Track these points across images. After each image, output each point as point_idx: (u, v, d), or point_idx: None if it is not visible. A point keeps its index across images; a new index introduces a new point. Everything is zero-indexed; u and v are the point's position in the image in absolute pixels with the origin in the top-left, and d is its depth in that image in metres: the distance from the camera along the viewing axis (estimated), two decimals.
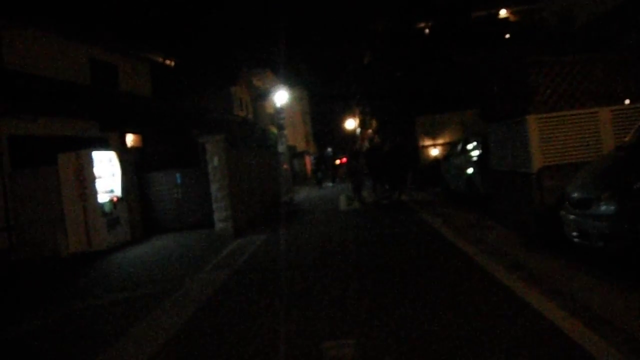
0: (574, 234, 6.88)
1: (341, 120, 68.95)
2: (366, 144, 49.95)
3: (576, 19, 15.96)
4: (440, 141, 21.90)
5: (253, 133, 30.70)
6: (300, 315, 6.08)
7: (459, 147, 15.27)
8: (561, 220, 7.29)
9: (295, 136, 50.98)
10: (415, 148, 22.08)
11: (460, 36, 25.15)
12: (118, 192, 13.41)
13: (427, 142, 22.12)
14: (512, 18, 30.58)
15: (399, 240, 10.50)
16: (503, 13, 30.10)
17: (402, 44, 28.65)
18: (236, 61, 36.42)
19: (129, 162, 14.24)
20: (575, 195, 6.97)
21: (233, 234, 13.16)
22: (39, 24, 15.70)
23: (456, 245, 9.05)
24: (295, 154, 41.54)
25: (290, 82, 45.17)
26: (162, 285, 8.56)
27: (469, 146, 13.97)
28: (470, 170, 13.37)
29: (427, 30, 29.48)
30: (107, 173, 13.04)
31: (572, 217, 6.94)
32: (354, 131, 67.49)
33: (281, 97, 29.22)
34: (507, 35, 25.62)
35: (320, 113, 70.16)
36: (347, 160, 20.26)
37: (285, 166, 25.46)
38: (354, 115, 65.47)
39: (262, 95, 40.74)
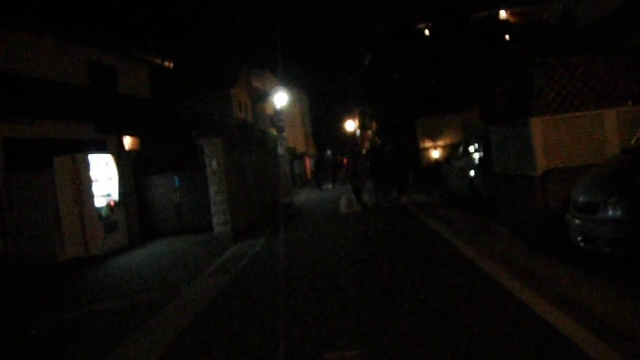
0: (580, 239, 6.72)
1: (341, 122, 68.85)
2: (367, 145, 49.82)
3: (580, 19, 15.81)
4: (441, 143, 21.77)
5: (252, 135, 30.53)
6: (302, 325, 5.91)
7: (461, 149, 15.11)
8: (566, 225, 7.13)
9: (295, 138, 50.83)
10: (416, 150, 21.94)
11: (460, 37, 25.01)
12: (115, 196, 13.24)
13: (428, 144, 22.00)
14: (512, 19, 30.50)
15: (401, 246, 10.33)
16: (503, 14, 30.00)
17: (402, 45, 28.53)
18: (236, 63, 36.33)
19: (127, 165, 14.08)
20: (581, 199, 6.81)
21: (232, 238, 13.01)
22: (36, 26, 15.57)
23: (460, 251, 8.88)
24: (295, 156, 41.35)
25: (290, 83, 45.11)
26: (160, 292, 8.41)
27: (471, 149, 13.80)
28: (472, 173, 13.21)
29: (427, 31, 29.36)
30: (104, 177, 12.88)
31: (577, 221, 6.78)
32: (354, 133, 67.37)
33: (281, 98, 29.10)
34: (507, 37, 25.47)
35: (320, 115, 70.11)
36: (348, 163, 20.08)
37: (285, 168, 25.34)
38: (353, 117, 65.37)
39: (261, 97, 40.61)
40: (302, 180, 39.48)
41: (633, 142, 7.37)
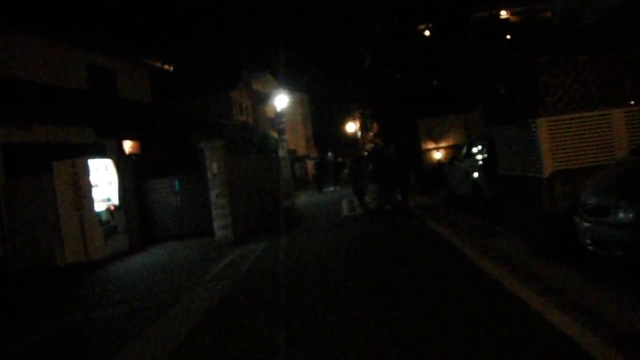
0: (589, 242, 6.57)
1: (342, 124, 68.78)
2: (370, 146, 49.67)
3: (583, 18, 15.64)
4: (443, 144, 21.60)
5: (253, 138, 30.42)
6: (304, 333, 5.76)
7: (464, 150, 14.96)
8: (575, 228, 6.97)
9: (295, 140, 50.69)
10: (418, 151, 21.79)
11: (461, 37, 24.92)
12: (115, 200, 13.12)
13: (430, 145, 21.83)
14: (512, 19, 30.41)
15: (405, 249, 10.18)
16: (504, 14, 29.90)
17: (402, 45, 28.43)
18: (236, 65, 36.22)
19: (127, 169, 13.95)
20: (591, 201, 6.66)
21: (233, 242, 12.89)
22: (35, 30, 15.45)
23: (465, 255, 8.73)
24: (295, 158, 41.24)
25: (291, 85, 45.01)
26: (160, 297, 8.28)
27: (474, 149, 13.64)
28: (475, 175, 13.04)
29: (427, 32, 29.27)
30: (103, 181, 12.75)
31: (586, 224, 6.63)
32: (354, 134, 67.33)
33: (281, 101, 28.99)
34: (509, 37, 25.35)
35: (321, 117, 69.94)
36: (350, 165, 19.95)
37: (285, 171, 25.22)
38: (354, 119, 65.30)
39: (262, 100, 40.51)
40: (303, 183, 39.34)
41: None
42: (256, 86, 41.28)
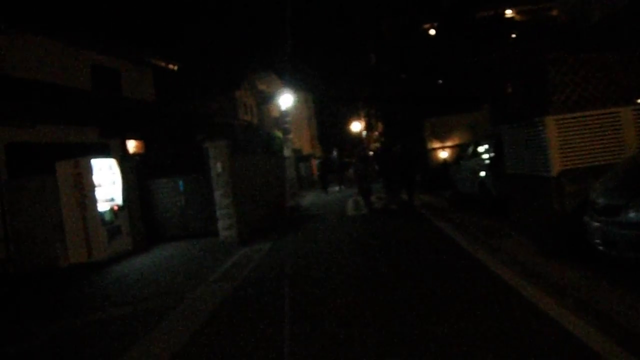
0: (598, 242, 6.45)
1: (347, 124, 68.71)
2: (376, 145, 49.53)
3: (590, 16, 15.53)
4: (449, 143, 21.48)
5: (258, 137, 30.35)
6: (309, 337, 5.66)
7: (470, 149, 14.83)
8: (584, 228, 6.85)
9: (300, 140, 50.62)
10: (423, 151, 21.68)
11: (466, 36, 24.79)
12: (119, 200, 13.01)
13: (436, 145, 21.71)
14: (518, 18, 30.24)
15: (411, 249, 10.03)
16: (509, 13, 29.75)
17: (407, 45, 28.33)
18: (240, 65, 36.15)
19: (130, 169, 13.86)
20: (601, 201, 6.53)
21: (238, 242, 12.78)
22: (39, 30, 15.42)
23: (473, 255, 8.60)
24: (300, 157, 41.12)
25: (295, 85, 44.83)
26: (163, 299, 8.17)
27: (481, 149, 13.52)
28: (482, 174, 12.92)
29: (432, 31, 29.15)
30: (107, 181, 12.66)
31: (596, 224, 6.51)
32: (359, 134, 67.25)
33: (286, 100, 28.80)
34: (515, 35, 25.20)
35: (326, 116, 69.88)
36: (355, 164, 19.78)
37: (290, 170, 25.10)
38: (359, 118, 65.24)
39: (266, 99, 40.43)
40: (308, 183, 39.22)
41: None
42: (261, 86, 41.22)
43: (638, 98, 8.18)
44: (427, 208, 15.88)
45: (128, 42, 21.75)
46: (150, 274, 10.41)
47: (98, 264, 11.78)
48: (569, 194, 7.81)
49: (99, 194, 12.22)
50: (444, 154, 21.44)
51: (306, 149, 51.43)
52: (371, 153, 34.45)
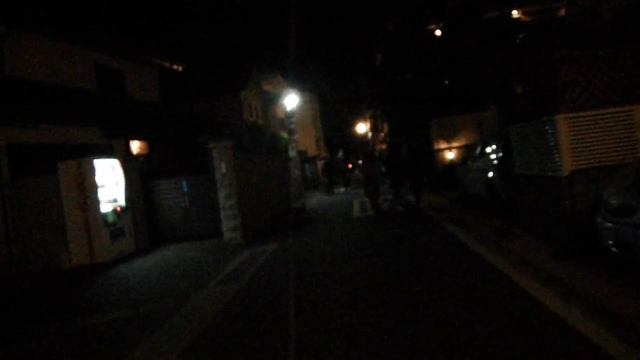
0: (612, 243, 6.27)
1: (352, 125, 68.61)
2: (381, 147, 49.35)
3: (599, 14, 15.34)
4: (455, 144, 21.33)
5: (263, 138, 30.28)
6: (314, 341, 5.49)
7: (478, 149, 14.65)
8: (596, 229, 6.66)
9: (306, 141, 50.47)
10: (430, 151, 21.53)
11: (473, 36, 24.64)
12: (122, 201, 12.89)
13: (442, 145, 21.56)
14: (525, 18, 30.07)
15: (420, 253, 9.77)
16: (515, 13, 29.59)
17: (413, 45, 28.18)
18: (245, 65, 36.07)
19: (134, 169, 13.73)
20: (614, 201, 6.34)
21: (242, 244, 12.64)
22: (43, 30, 15.33)
23: (483, 257, 8.40)
24: (306, 159, 40.98)
25: (301, 86, 44.77)
26: (166, 301, 8.04)
27: (489, 149, 13.34)
28: (490, 174, 12.74)
29: (438, 32, 29.01)
30: (110, 181, 12.54)
31: (609, 225, 6.32)
32: (365, 135, 67.11)
33: (291, 101, 28.70)
34: (523, 35, 25.00)
35: (331, 118, 69.78)
36: (363, 164, 19.59)
37: (296, 171, 24.98)
38: (364, 120, 65.12)
39: (272, 100, 40.33)
40: (313, 184, 39.10)
41: None
42: (266, 86, 41.12)
43: None
44: (434, 209, 15.69)
45: (132, 42, 21.67)
46: (153, 276, 10.27)
47: (101, 265, 11.65)
48: (581, 194, 7.64)
49: (102, 194, 12.10)
50: (450, 155, 21.30)
51: (312, 150, 51.28)
52: (377, 153, 34.20)
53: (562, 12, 27.90)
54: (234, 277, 9.26)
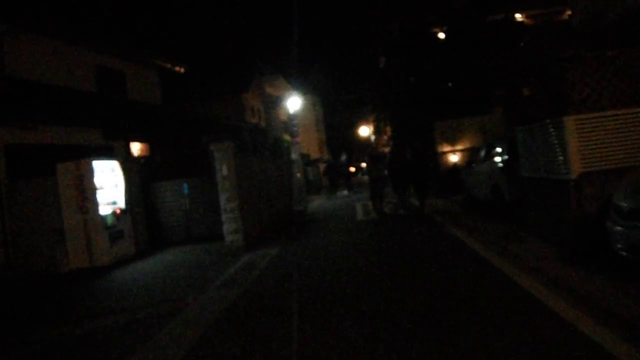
0: (622, 247, 6.11)
1: (355, 128, 68.53)
2: (384, 149, 49.22)
3: (604, 16, 15.17)
4: (459, 147, 21.16)
5: (265, 140, 30.13)
6: (317, 350, 5.31)
7: (482, 152, 14.48)
8: (606, 233, 6.49)
9: (308, 144, 50.39)
10: (434, 154, 21.36)
11: (477, 39, 24.53)
12: (121, 203, 12.72)
13: (446, 148, 21.39)
14: (527, 22, 29.96)
15: (426, 258, 9.57)
16: (519, 17, 29.49)
17: (417, 47, 28.07)
18: (248, 67, 35.96)
19: (134, 171, 13.58)
20: (625, 204, 6.18)
21: (244, 247, 12.45)
22: (43, 30, 15.21)
23: (491, 263, 8.19)
24: (308, 161, 40.82)
25: (303, 88, 44.61)
26: (165, 306, 7.87)
27: (494, 151, 13.17)
28: (496, 177, 12.57)
29: (441, 34, 28.89)
30: (109, 183, 12.37)
31: (620, 229, 6.17)
32: (368, 138, 66.98)
33: (294, 103, 28.53)
34: (528, 36, 24.85)
35: (334, 120, 69.74)
36: (368, 165, 19.36)
37: (298, 174, 24.80)
38: (367, 123, 65.00)
39: (274, 102, 40.21)
40: (316, 187, 38.95)
41: None
42: (268, 89, 40.98)
43: None
44: (439, 213, 15.51)
45: (134, 43, 21.58)
46: (153, 279, 10.11)
47: (99, 269, 11.48)
48: (589, 197, 7.46)
49: (101, 196, 11.92)
50: (454, 158, 21.13)
51: (314, 153, 51.20)
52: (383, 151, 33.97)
53: (566, 15, 27.79)
54: (234, 282, 9.08)
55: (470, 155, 18.64)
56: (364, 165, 37.96)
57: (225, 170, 12.63)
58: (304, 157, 36.96)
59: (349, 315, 6.32)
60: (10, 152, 12.36)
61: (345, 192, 31.94)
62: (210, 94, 30.97)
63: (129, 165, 13.48)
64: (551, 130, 8.12)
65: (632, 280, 5.97)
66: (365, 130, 66.21)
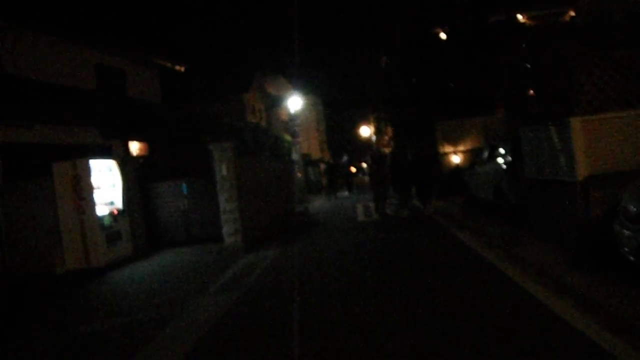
0: (629, 251, 5.95)
1: (356, 128, 68.40)
2: (385, 150, 49.06)
3: (610, 16, 15.03)
4: (461, 148, 20.98)
5: (265, 140, 29.98)
6: (316, 355, 5.14)
7: (485, 153, 14.30)
8: (613, 236, 6.33)
9: (309, 144, 50.27)
10: (435, 155, 21.19)
11: (479, 39, 24.40)
12: (119, 203, 12.56)
13: (448, 149, 21.22)
14: (530, 23, 29.85)
15: (428, 260, 9.43)
16: (520, 18, 29.38)
17: (419, 48, 27.94)
18: (248, 67, 35.83)
19: (132, 171, 13.40)
20: (634, 208, 6.00)
21: (243, 249, 12.29)
22: (42, 28, 15.07)
23: (495, 266, 8.00)
24: (309, 162, 40.68)
25: (304, 88, 44.49)
26: (162, 309, 7.70)
27: (497, 152, 13.00)
28: (499, 179, 12.40)
29: (443, 35, 28.76)
30: (106, 183, 12.21)
31: (628, 232, 6.00)
32: (369, 138, 66.85)
33: (295, 103, 28.45)
34: (532, 37, 24.72)
35: (335, 121, 69.60)
36: (371, 166, 19.22)
37: (299, 174, 24.69)
38: (368, 123, 64.85)
39: (275, 103, 40.09)
40: (317, 187, 38.83)
41: None
42: (269, 89, 40.87)
43: None
44: (441, 214, 15.34)
45: (134, 42, 21.39)
46: (150, 281, 9.96)
47: (96, 270, 11.33)
48: (596, 200, 7.28)
49: (98, 197, 11.77)
50: (456, 159, 20.96)
51: (315, 154, 51.07)
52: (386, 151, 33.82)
53: (567, 17, 27.71)
54: (233, 285, 8.92)
55: (473, 156, 18.49)
56: (364, 165, 37.80)
57: (224, 171, 12.47)
58: (305, 157, 36.85)
59: (350, 324, 6.15)
60: (5, 152, 12.22)
61: (346, 193, 31.82)
62: (210, 93, 30.82)
63: (127, 165, 13.30)
64: (557, 131, 7.95)
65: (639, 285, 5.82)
66: (366, 131, 66.04)
